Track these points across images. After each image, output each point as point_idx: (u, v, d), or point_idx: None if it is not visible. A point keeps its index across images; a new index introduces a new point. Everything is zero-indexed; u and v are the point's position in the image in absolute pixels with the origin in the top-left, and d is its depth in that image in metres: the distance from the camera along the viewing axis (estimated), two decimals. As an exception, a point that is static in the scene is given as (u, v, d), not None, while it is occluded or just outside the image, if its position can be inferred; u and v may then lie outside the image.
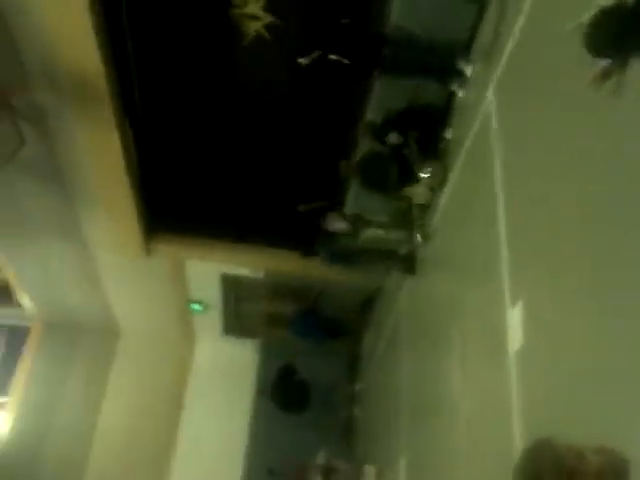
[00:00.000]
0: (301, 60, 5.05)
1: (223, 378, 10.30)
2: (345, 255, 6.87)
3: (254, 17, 5.55)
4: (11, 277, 8.92)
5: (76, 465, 9.58)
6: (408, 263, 6.43)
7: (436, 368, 5.30)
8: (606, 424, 2.48)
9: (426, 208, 5.91)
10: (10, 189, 7.12)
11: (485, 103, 4.47)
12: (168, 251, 8.31)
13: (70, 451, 9.59)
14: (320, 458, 7.62)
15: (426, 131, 5.43)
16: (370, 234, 6.50)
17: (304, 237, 7.42)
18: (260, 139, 6.80)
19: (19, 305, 10.04)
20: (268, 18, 5.53)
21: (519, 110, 3.97)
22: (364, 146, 5.96)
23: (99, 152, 6.70)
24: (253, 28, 5.58)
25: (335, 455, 7.74)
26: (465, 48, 4.91)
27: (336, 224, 6.46)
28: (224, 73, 6.14)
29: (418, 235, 6.29)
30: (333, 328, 8.22)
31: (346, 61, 4.86)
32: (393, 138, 5.49)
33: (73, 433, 9.74)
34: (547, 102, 3.51)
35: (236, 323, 10.19)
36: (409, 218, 6.33)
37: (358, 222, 6.46)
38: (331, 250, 6.81)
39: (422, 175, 5.44)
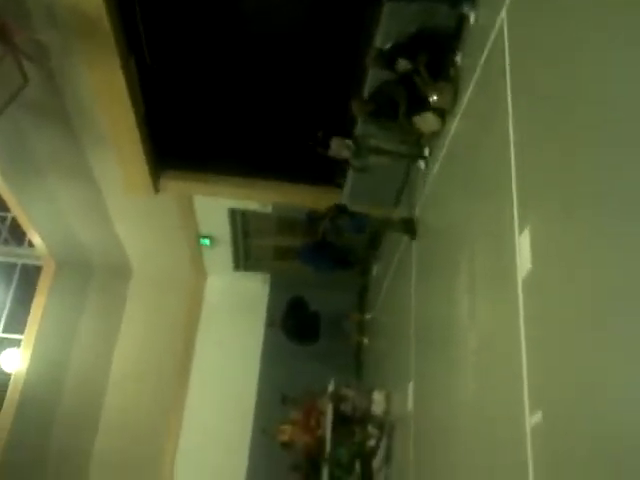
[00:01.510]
0: None
1: (234, 312, 10.48)
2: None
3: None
4: (22, 217, 8.97)
5: (93, 400, 9.88)
6: (409, 226, 6.64)
7: (445, 295, 5.34)
8: (608, 348, 2.54)
9: (436, 135, 5.90)
10: (17, 130, 7.13)
11: (497, 25, 4.37)
12: (177, 188, 8.35)
13: (86, 386, 9.88)
14: (330, 386, 7.83)
15: (436, 56, 5.32)
16: (375, 161, 6.54)
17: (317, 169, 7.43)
18: (266, 72, 6.73)
19: (31, 244, 10.16)
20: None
21: (532, 32, 3.88)
22: (374, 74, 5.87)
23: (105, 90, 6.66)
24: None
25: (345, 383, 7.94)
26: (477, -31, 4.79)
27: (340, 150, 6.45)
28: (228, 6, 6.03)
29: (422, 163, 6.36)
30: (342, 258, 8.26)
31: None
32: (403, 64, 5.38)
33: (89, 368, 10.00)
34: (561, 22, 3.42)
35: (246, 257, 10.28)
36: (416, 145, 6.34)
37: (364, 148, 6.46)
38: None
39: (432, 98, 5.36)
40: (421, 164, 6.39)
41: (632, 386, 2.35)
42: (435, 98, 5.36)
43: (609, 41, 2.87)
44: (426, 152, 6.26)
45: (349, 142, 6.38)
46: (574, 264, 2.97)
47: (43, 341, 9.96)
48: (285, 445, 8.02)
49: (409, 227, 6.70)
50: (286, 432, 7.95)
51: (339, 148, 6.45)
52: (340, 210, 7.09)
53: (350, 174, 7.39)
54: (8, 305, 10.33)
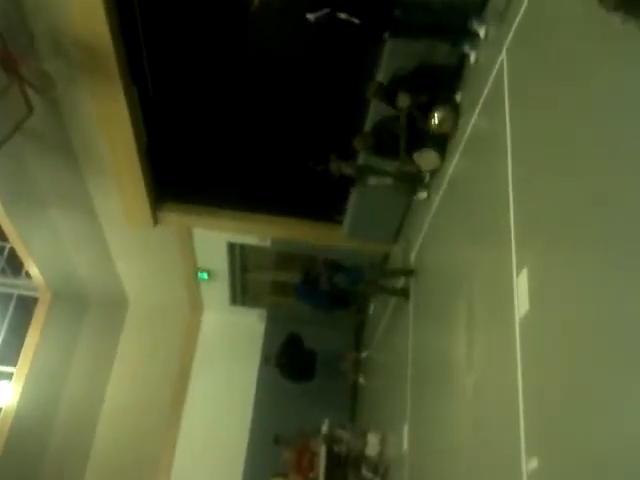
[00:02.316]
0: (309, 16, 4.88)
1: (230, 347, 10.40)
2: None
3: (262, -20, 5.49)
4: (20, 247, 8.93)
5: (84, 434, 9.72)
6: (403, 292, 6.66)
7: (442, 336, 5.30)
8: (606, 392, 2.50)
9: (435, 172, 5.91)
10: (19, 159, 7.14)
11: (497, 65, 4.40)
12: (176, 220, 8.33)
13: (78, 421, 9.71)
14: (324, 427, 7.69)
15: (436, 93, 5.36)
16: (376, 182, 6.50)
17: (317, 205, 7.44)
18: (267, 106, 6.78)
19: (28, 275, 10.09)
20: (277, -20, 5.48)
21: (532, 72, 3.90)
22: (375, 108, 5.90)
23: (107, 122, 6.71)
24: (261, -9, 5.53)
25: (339, 423, 7.81)
26: (478, 9, 4.83)
27: (341, 168, 6.41)
28: (231, 38, 6.10)
29: (424, 193, 6.33)
30: (339, 297, 8.20)
31: (356, 20, 4.73)
32: (402, 99, 5.42)
33: (81, 403, 9.83)
34: (560, 64, 3.45)
35: (243, 292, 10.24)
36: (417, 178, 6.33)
37: (365, 170, 6.44)
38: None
39: (434, 122, 5.33)
40: (423, 194, 6.34)
41: (632, 432, 2.28)
42: (436, 122, 5.35)
43: (605, 81, 2.89)
44: (426, 182, 6.24)
45: (349, 163, 6.34)
46: (572, 305, 2.93)
47: (36, 374, 9.76)
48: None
49: (404, 291, 6.69)
50: None
51: (339, 167, 6.42)
52: (335, 268, 7.04)
53: (350, 209, 7.39)
54: (2, 336, 10.20)
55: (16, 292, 10.52)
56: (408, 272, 6.68)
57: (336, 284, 7.00)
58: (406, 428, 5.84)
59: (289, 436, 8.04)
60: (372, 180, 6.43)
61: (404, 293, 6.67)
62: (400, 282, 7.00)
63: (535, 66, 3.86)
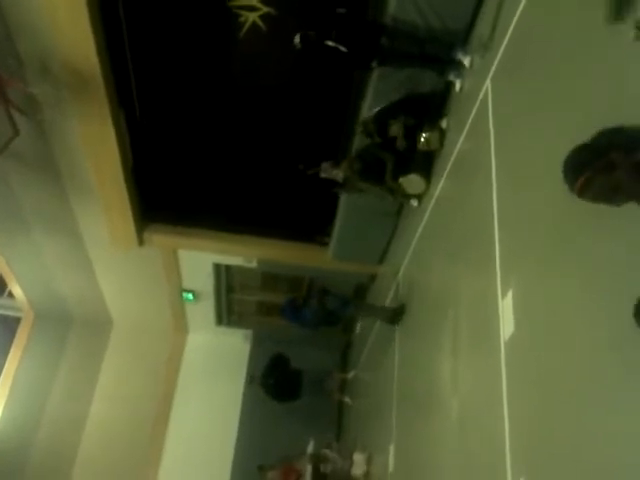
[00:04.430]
0: (296, 41, 4.94)
1: (215, 368, 10.34)
2: None
3: (251, 8, 5.58)
4: (3, 267, 8.87)
5: (66, 454, 9.59)
6: (393, 316, 6.53)
7: (428, 357, 5.32)
8: (592, 413, 2.54)
9: (421, 197, 5.98)
10: (4, 180, 7.12)
11: (482, 93, 4.49)
12: (161, 241, 8.31)
13: (60, 440, 9.59)
14: (310, 447, 7.67)
15: (423, 119, 5.45)
16: (366, 186, 6.35)
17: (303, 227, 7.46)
18: (254, 130, 6.82)
19: (11, 295, 10.01)
20: (265, 8, 5.57)
21: (516, 100, 3.98)
22: (360, 138, 5.96)
23: (94, 144, 6.71)
24: (250, 19, 5.61)
25: (325, 443, 7.81)
26: (463, 40, 4.92)
27: (332, 172, 6.27)
28: (219, 64, 6.17)
29: (415, 201, 6.24)
30: (326, 316, 8.21)
31: (343, 48, 4.80)
32: (392, 130, 5.50)
33: (63, 422, 9.73)
34: (542, 92, 3.52)
35: (229, 313, 10.22)
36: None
37: (354, 177, 6.32)
38: None
39: (421, 140, 5.42)
40: (414, 202, 6.24)
41: (617, 452, 2.34)
42: (423, 140, 5.43)
43: (587, 108, 2.96)
44: (414, 203, 6.25)
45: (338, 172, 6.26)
46: (557, 327, 2.97)
47: (17, 394, 9.71)
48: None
49: (395, 315, 6.54)
50: None
51: (330, 170, 6.26)
52: (324, 293, 7.02)
53: (336, 230, 7.43)
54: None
55: (-1, 312, 10.43)
56: (397, 312, 6.50)
57: (325, 305, 6.96)
58: (392, 448, 5.84)
59: (275, 456, 8.01)
60: (362, 185, 6.26)
61: (393, 320, 6.57)
62: (388, 302, 7.03)
63: (518, 94, 3.93)
